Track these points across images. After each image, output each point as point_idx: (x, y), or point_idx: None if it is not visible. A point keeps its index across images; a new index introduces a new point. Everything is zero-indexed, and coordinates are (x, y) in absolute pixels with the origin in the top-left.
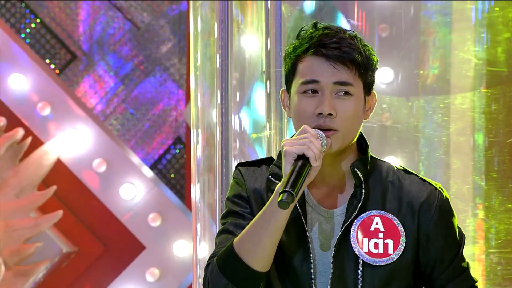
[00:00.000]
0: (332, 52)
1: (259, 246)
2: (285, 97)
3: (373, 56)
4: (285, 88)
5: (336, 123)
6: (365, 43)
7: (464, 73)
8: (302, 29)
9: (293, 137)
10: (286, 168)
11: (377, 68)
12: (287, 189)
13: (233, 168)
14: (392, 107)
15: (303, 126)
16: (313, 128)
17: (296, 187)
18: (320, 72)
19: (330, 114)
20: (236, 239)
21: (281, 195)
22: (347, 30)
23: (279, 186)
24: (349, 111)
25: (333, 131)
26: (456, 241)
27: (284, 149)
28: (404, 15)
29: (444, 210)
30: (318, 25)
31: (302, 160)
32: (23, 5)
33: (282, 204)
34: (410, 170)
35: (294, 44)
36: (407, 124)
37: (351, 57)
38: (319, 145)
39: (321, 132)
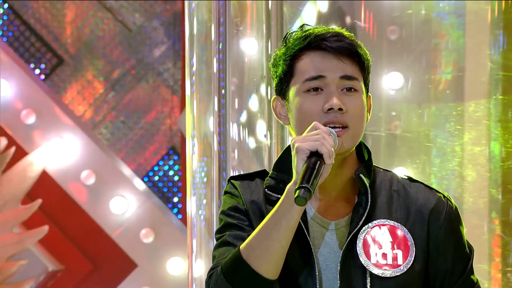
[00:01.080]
0: (335, 44)
1: (269, 251)
2: (278, 105)
3: (368, 56)
4: (277, 96)
5: (346, 118)
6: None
7: (479, 78)
8: (289, 33)
9: (304, 134)
10: (299, 165)
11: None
12: (303, 185)
13: None
14: (401, 115)
15: (313, 123)
16: (323, 125)
17: (312, 183)
18: (324, 67)
19: (341, 109)
20: (243, 245)
21: (297, 191)
22: (339, 30)
23: (291, 186)
24: (358, 107)
25: (345, 128)
26: (466, 252)
27: (295, 146)
28: (415, 16)
29: (454, 219)
30: (306, 27)
31: (316, 157)
32: (5, 5)
33: (300, 200)
34: (415, 179)
35: (284, 46)
36: (417, 133)
37: (355, 49)
38: (332, 142)
39: (332, 130)
